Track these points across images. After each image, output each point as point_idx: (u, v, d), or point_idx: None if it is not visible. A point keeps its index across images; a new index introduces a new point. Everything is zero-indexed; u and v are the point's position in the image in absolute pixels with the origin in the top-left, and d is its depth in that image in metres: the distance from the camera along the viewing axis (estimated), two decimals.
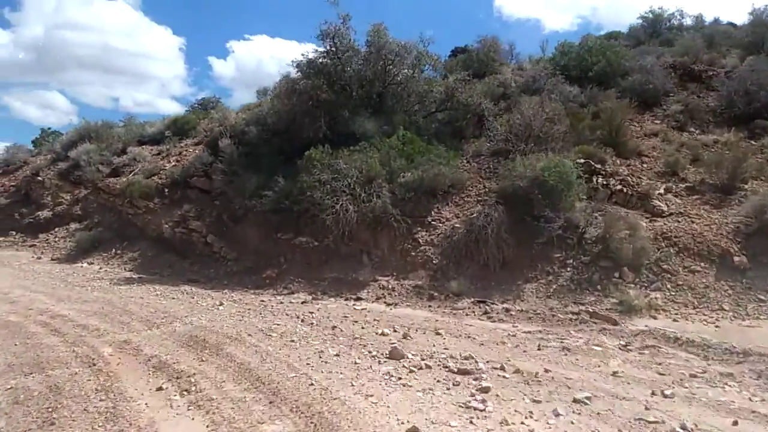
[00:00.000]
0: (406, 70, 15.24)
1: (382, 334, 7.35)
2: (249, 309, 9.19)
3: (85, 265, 13.62)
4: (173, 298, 9.88)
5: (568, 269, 9.75)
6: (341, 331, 7.52)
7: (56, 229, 16.11)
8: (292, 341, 6.81)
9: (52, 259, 14.19)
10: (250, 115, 16.21)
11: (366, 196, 12.11)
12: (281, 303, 9.94)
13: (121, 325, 7.55)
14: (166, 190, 15.69)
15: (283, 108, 15.36)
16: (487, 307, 9.48)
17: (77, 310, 8.53)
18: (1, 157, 21.34)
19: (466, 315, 9.18)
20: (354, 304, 10.03)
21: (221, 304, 9.48)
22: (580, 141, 12.90)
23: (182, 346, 6.50)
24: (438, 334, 7.50)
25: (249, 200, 13.06)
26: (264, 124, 15.58)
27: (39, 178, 17.98)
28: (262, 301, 10.09)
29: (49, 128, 23.73)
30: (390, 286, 10.88)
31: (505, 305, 9.50)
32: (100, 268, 13.26)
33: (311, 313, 8.90)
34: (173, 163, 16.65)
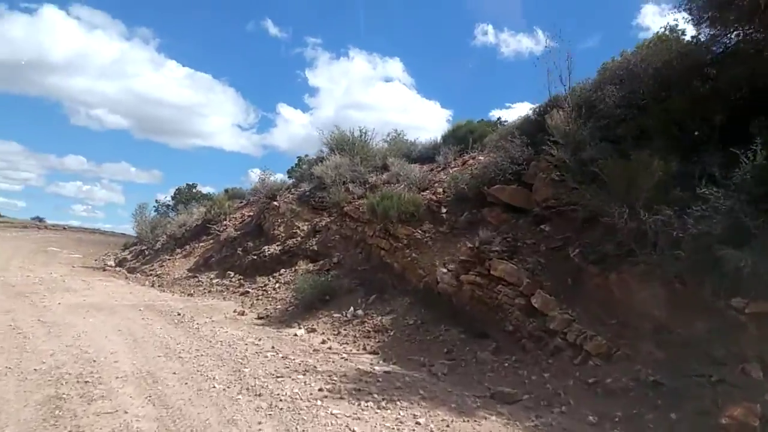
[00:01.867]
0: None
1: None
2: None
3: (300, 332, 8.61)
4: None
5: None
6: None
7: (281, 271, 12.17)
8: None
9: (258, 317, 9.79)
10: (606, 73, 9.57)
11: None
12: None
13: None
14: (444, 209, 10.02)
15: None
16: None
17: None
18: (252, 187, 19.96)
19: None
20: None
21: None
22: None
23: None
24: None
25: (649, 216, 6.03)
26: (636, 79, 8.74)
27: (275, 203, 15.00)
28: None
29: (306, 155, 21.97)
30: None
31: None
32: (322, 342, 7.99)
33: None
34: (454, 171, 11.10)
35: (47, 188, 69.74)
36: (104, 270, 17.54)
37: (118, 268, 17.97)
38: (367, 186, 13.55)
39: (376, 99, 72.01)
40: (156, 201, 23.89)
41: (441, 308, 8.25)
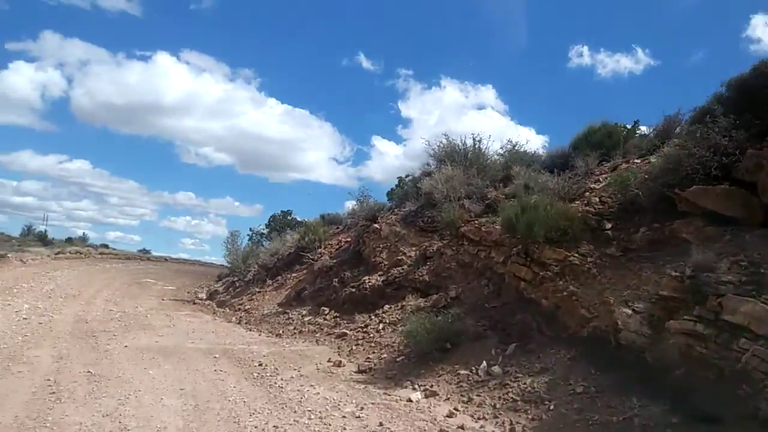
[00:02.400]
0: None
1: None
2: None
3: (416, 395, 6.32)
4: None
5: None
6: None
7: (385, 307, 10.00)
8: None
9: (358, 371, 7.60)
10: None
11: None
12: None
13: None
14: (608, 224, 7.37)
15: None
16: None
17: None
18: (349, 211, 18.19)
19: None
20: None
21: None
22: None
23: None
24: None
25: None
26: None
27: (375, 225, 12.99)
28: None
29: (407, 175, 19.98)
30: None
31: None
32: (449, 416, 5.65)
33: None
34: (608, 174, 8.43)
35: (160, 223, 75.12)
36: (194, 303, 16.43)
37: (208, 302, 16.81)
38: (487, 201, 11.14)
39: (469, 128, 70.81)
40: (250, 229, 22.94)
41: (626, 369, 5.58)
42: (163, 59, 68.84)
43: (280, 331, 10.74)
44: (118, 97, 67.94)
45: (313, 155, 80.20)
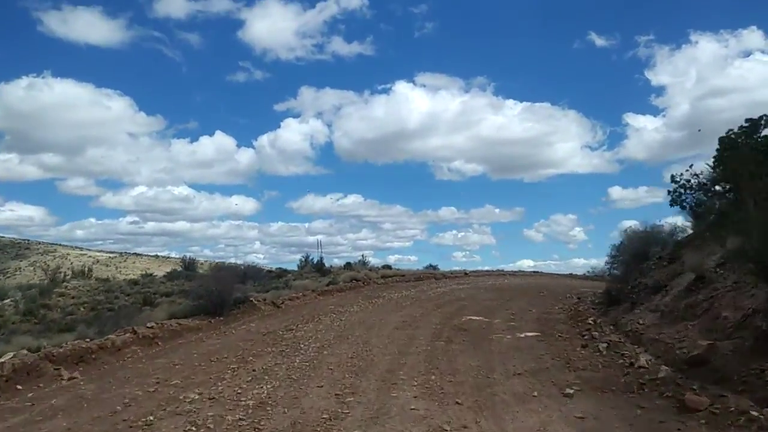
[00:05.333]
0: None
1: None
2: None
3: None
4: None
5: None
6: None
7: None
8: None
9: None
10: None
11: None
12: None
13: None
14: None
15: None
16: None
17: None
18: None
19: None
20: None
21: None
22: None
23: None
24: None
25: None
26: None
27: None
28: None
29: None
30: None
31: None
32: None
33: None
34: None
35: (430, 240, 77.27)
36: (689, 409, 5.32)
37: (697, 394, 5.53)
38: None
39: (737, 80, 61.30)
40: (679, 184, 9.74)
41: None
42: (401, 87, 74.41)
43: None
44: (370, 131, 75.13)
45: (562, 147, 78.25)
